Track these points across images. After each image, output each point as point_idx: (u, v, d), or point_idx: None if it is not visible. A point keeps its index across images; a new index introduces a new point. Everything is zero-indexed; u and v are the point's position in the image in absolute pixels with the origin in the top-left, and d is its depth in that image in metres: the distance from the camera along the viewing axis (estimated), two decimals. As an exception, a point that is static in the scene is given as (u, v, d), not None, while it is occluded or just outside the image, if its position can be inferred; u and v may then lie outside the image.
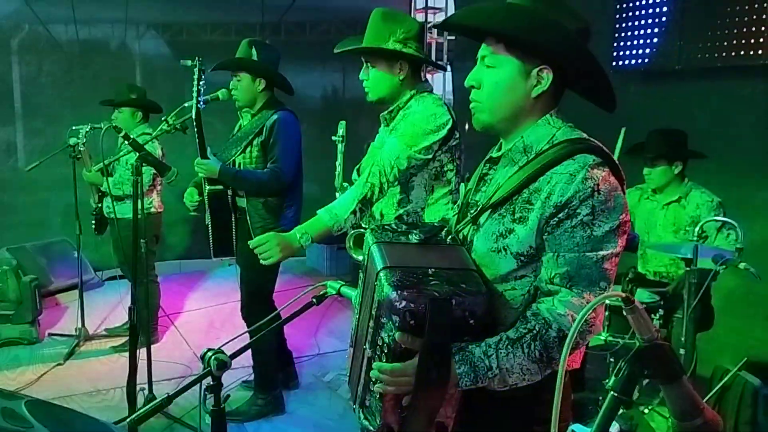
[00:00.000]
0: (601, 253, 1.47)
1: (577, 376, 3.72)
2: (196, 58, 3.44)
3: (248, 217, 3.64)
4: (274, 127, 3.59)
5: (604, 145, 1.57)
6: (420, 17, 7.35)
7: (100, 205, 4.78)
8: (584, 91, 1.61)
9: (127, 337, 3.97)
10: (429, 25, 7.15)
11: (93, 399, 4.04)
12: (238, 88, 3.64)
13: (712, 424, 1.20)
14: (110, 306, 5.75)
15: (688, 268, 3.10)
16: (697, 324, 3.50)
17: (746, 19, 4.07)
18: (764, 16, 3.97)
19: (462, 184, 2.50)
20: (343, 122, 3.02)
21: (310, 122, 6.13)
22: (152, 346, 3.84)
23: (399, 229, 1.75)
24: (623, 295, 1.21)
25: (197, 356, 3.98)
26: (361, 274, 1.76)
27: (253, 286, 3.77)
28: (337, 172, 2.99)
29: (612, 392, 1.17)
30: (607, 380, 3.40)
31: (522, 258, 1.52)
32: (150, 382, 3.66)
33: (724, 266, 3.11)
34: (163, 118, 3.49)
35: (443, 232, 1.71)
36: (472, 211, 1.65)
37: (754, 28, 4.02)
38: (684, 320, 3.09)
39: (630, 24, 4.89)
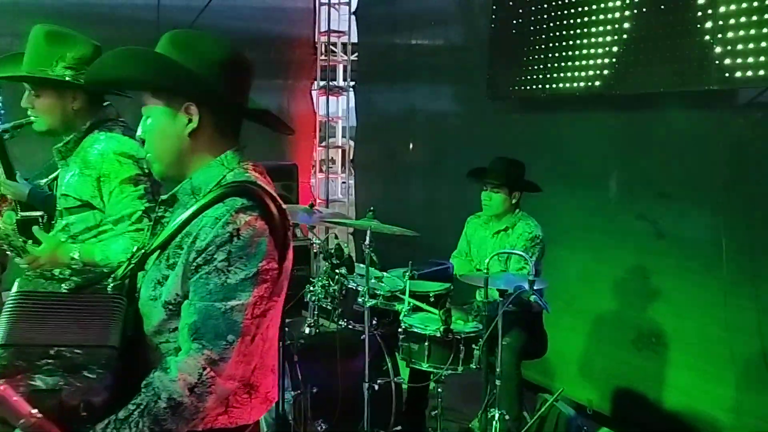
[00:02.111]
0: (232, 303, 1.38)
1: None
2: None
3: None
4: None
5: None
6: (323, 40, 7.23)
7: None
8: (255, 120, 1.66)
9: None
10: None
11: None
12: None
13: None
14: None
15: (500, 299, 3.17)
16: (520, 352, 3.60)
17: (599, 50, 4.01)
18: (614, 48, 3.91)
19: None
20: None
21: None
22: None
23: (58, 276, 1.55)
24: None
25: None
26: None
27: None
28: None
29: None
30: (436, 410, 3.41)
31: (170, 307, 1.44)
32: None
33: (512, 300, 3.24)
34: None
35: (109, 279, 1.52)
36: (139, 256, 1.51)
37: (607, 60, 3.96)
38: (499, 349, 3.15)
39: (503, 51, 4.82)
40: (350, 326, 3.49)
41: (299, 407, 3.28)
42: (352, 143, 7.47)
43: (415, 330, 3.27)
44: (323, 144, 7.32)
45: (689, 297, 3.79)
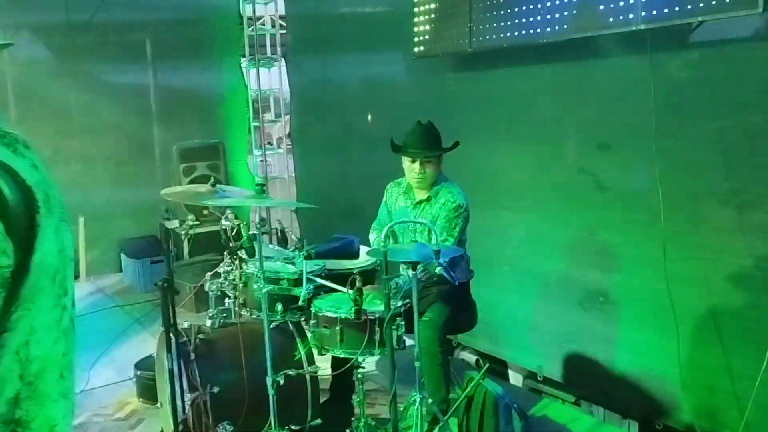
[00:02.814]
0: None
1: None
2: None
3: None
4: None
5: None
6: (248, 10, 6.85)
7: None
8: None
9: None
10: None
11: None
12: None
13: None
14: None
15: (413, 273, 2.77)
16: (442, 328, 3.26)
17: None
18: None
19: None
20: None
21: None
22: None
23: None
24: None
25: None
26: None
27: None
28: None
29: None
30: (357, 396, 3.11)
31: None
32: None
33: (423, 270, 3.03)
34: None
35: None
36: None
37: (532, 6, 3.73)
38: (416, 324, 2.79)
39: (427, 8, 4.56)
40: (254, 316, 3.17)
41: (198, 410, 2.97)
42: (288, 117, 7.13)
43: (326, 313, 2.96)
44: (257, 120, 6.96)
45: (635, 251, 3.63)
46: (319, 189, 6.62)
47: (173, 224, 5.38)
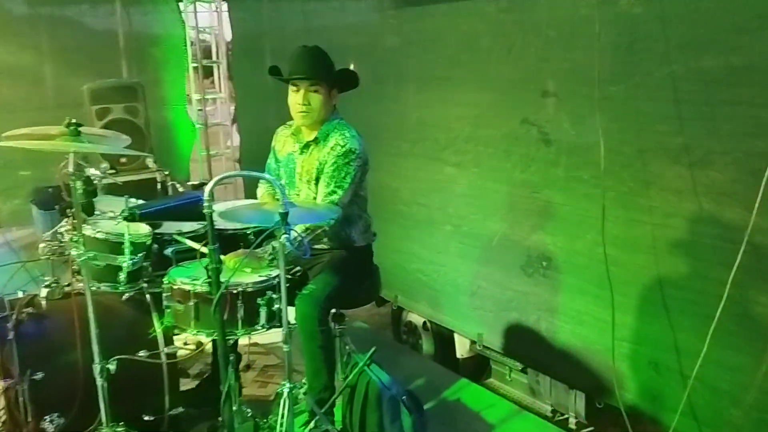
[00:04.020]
0: None
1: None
2: None
3: None
4: None
5: None
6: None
7: None
8: None
9: None
10: None
11: None
12: None
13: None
14: None
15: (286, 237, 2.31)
16: (326, 302, 2.79)
17: None
18: None
19: None
20: None
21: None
22: None
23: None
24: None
25: None
26: None
27: None
28: None
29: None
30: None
31: None
32: None
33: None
34: None
35: None
36: None
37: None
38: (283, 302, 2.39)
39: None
40: (95, 287, 2.64)
41: (12, 400, 2.52)
42: (229, 60, 6.60)
43: (180, 285, 2.54)
44: (196, 62, 6.43)
45: (578, 212, 3.26)
46: (263, 139, 6.14)
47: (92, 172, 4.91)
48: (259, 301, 2.51)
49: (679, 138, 2.78)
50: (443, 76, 3.95)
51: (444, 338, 4.38)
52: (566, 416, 3.63)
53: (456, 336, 4.27)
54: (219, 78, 6.74)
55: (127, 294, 2.75)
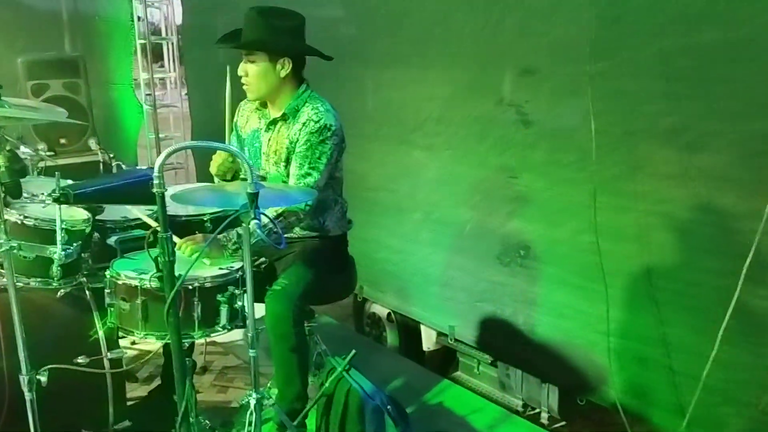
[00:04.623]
0: None
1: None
2: None
3: None
4: None
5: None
6: None
7: None
8: None
9: None
10: None
11: None
12: None
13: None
14: None
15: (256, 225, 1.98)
16: (300, 299, 2.47)
17: None
18: None
19: None
20: None
21: None
22: None
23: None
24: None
25: None
26: None
27: None
28: None
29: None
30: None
31: None
32: None
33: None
34: None
35: None
36: None
37: None
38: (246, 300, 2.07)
39: None
40: (22, 284, 2.31)
41: None
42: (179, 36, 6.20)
43: (125, 280, 2.22)
44: (143, 38, 6.01)
45: (562, 199, 3.05)
46: (215, 122, 5.78)
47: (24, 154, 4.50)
48: (220, 297, 2.19)
49: (670, 118, 2.59)
50: (413, 52, 3.69)
51: (410, 330, 4.16)
52: (538, 411, 3.47)
53: (422, 328, 4.06)
54: (169, 56, 6.32)
55: (62, 290, 2.40)
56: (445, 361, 4.09)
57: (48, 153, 3.32)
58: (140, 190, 1.98)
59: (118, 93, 6.14)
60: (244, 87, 2.57)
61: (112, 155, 4.70)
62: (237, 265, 2.28)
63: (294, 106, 2.59)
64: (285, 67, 2.55)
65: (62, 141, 4.79)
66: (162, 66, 6.48)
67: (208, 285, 2.23)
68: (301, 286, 2.48)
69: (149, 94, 6.10)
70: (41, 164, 3.80)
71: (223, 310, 2.19)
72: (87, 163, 4.84)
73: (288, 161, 2.58)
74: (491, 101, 3.29)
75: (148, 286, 2.15)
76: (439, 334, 3.91)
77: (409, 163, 3.83)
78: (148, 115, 6.14)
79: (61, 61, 5.07)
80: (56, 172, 2.28)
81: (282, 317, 2.40)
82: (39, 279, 2.33)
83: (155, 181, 1.79)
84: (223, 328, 2.24)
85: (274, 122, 2.64)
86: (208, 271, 2.28)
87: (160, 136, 6.16)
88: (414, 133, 3.76)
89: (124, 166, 4.48)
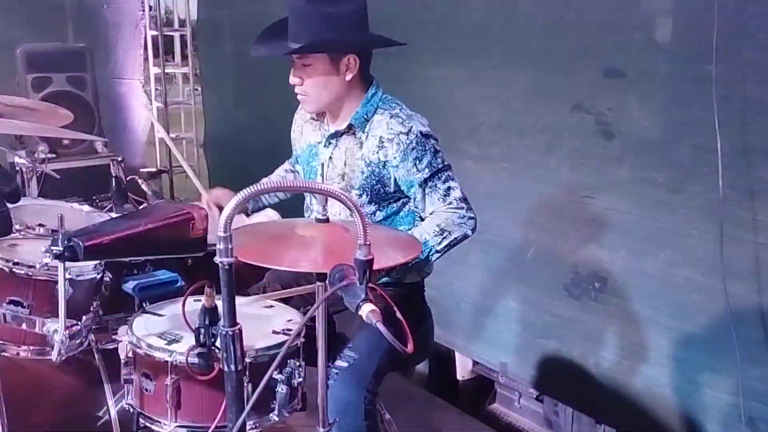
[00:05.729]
0: None
1: None
2: None
3: None
4: None
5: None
6: None
7: None
8: None
9: None
10: None
11: None
12: None
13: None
14: None
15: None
16: (375, 376, 1.90)
17: None
18: None
19: None
20: None
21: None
22: None
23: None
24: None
25: None
26: None
27: None
28: None
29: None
30: None
31: None
32: None
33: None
34: None
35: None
36: None
37: None
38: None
39: None
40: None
41: None
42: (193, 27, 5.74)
43: (148, 350, 1.63)
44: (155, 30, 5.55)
45: (651, 224, 2.58)
46: (232, 121, 5.35)
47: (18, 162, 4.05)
48: (278, 376, 1.59)
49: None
50: (467, 48, 3.23)
51: (441, 357, 3.73)
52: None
53: (457, 354, 3.66)
54: (181, 50, 5.87)
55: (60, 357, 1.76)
56: (480, 391, 3.68)
57: (49, 155, 2.88)
58: (178, 233, 1.41)
59: (126, 88, 5.71)
60: (300, 98, 2.07)
61: (120, 159, 4.25)
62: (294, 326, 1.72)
63: (363, 114, 2.05)
64: (351, 67, 2.01)
65: (65, 142, 4.37)
66: (168, 61, 6.03)
67: (261, 359, 1.63)
68: (375, 360, 1.90)
69: (159, 90, 5.65)
70: (41, 167, 3.36)
71: (280, 393, 1.58)
72: (93, 168, 4.41)
73: (365, 188, 2.07)
74: (565, 107, 2.83)
75: (182, 362, 1.55)
76: (475, 362, 3.53)
77: (458, 173, 3.36)
78: (158, 113, 5.70)
79: (66, 52, 4.66)
80: (59, 215, 1.68)
81: (350, 407, 1.83)
82: (33, 348, 1.76)
83: (220, 247, 1.22)
84: (278, 416, 1.63)
85: (334, 135, 2.12)
86: (259, 337, 1.71)
87: (171, 135, 5.71)
88: (466, 140, 3.30)
89: (149, 192, 3.68)
